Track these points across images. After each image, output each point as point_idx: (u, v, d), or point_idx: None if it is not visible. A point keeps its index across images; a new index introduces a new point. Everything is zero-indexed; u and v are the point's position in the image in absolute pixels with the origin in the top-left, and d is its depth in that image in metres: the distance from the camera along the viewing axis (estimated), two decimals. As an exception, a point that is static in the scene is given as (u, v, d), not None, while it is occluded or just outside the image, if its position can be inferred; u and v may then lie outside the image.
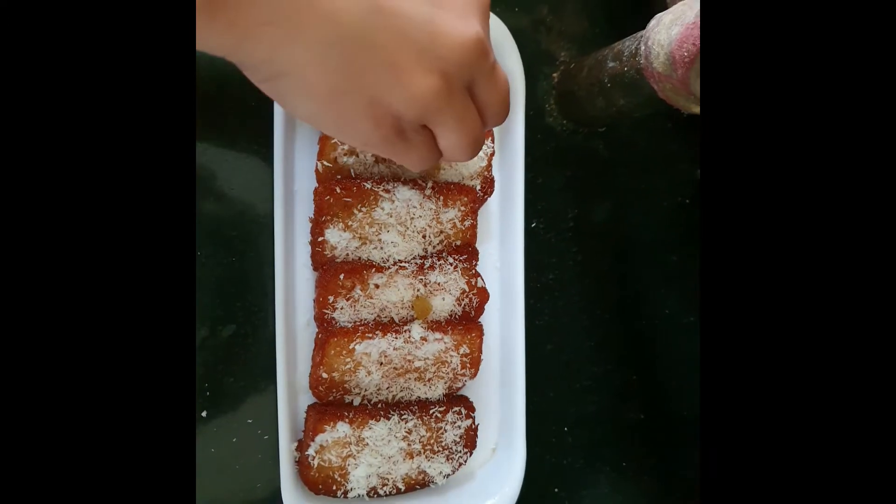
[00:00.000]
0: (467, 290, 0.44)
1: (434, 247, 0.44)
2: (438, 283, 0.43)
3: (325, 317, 0.42)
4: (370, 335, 0.41)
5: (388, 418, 0.42)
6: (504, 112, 0.32)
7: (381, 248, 0.42)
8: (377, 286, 0.42)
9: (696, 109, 0.40)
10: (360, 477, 0.42)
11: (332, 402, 0.42)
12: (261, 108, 0.42)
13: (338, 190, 0.41)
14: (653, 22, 0.40)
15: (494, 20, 0.46)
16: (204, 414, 0.41)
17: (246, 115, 0.42)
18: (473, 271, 0.45)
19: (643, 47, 0.40)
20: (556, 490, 0.52)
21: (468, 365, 0.45)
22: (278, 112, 0.41)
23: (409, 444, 0.43)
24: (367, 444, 0.42)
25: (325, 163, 0.41)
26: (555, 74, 0.51)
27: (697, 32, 0.36)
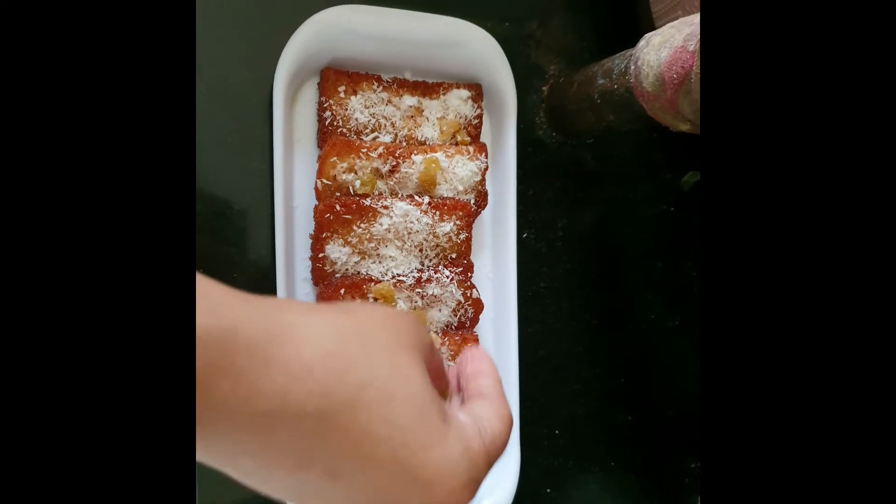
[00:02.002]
0: (463, 301, 0.46)
1: (431, 260, 0.45)
2: (435, 296, 0.44)
3: (326, 331, 0.43)
4: (370, 348, 0.42)
5: (389, 428, 0.44)
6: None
7: (380, 262, 0.43)
8: (376, 299, 0.43)
9: (685, 128, 0.41)
10: (361, 485, 0.43)
11: (333, 414, 0.43)
12: (260, 126, 0.43)
13: (337, 207, 0.41)
14: (642, 42, 0.42)
15: (487, 36, 0.47)
16: (207, 428, 0.42)
17: (245, 134, 0.43)
18: (469, 283, 0.46)
19: (633, 67, 0.42)
20: (548, 490, 0.53)
21: (464, 373, 0.46)
22: (278, 131, 0.42)
23: (408, 453, 0.44)
24: (369, 453, 0.43)
25: (325, 181, 0.42)
26: (544, 88, 0.52)
27: (686, 55, 0.38)
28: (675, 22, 0.41)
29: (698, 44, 0.37)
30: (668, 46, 0.39)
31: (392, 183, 0.44)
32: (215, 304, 0.21)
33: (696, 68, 0.37)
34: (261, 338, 0.21)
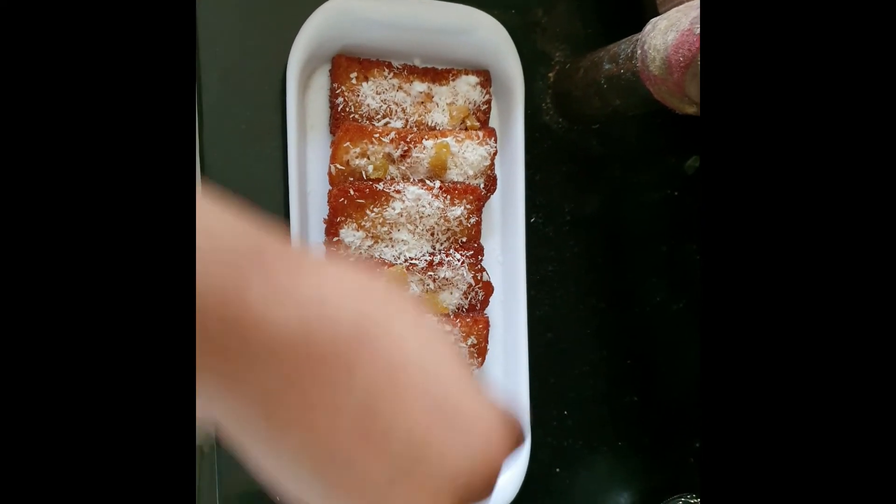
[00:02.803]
0: (473, 284, 0.46)
1: (442, 244, 0.46)
2: (447, 279, 0.45)
3: (341, 313, 0.43)
4: (384, 330, 0.43)
5: (403, 408, 0.44)
6: None
7: (393, 246, 0.44)
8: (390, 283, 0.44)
9: (691, 110, 0.42)
10: (377, 465, 0.44)
11: (348, 395, 0.44)
12: (273, 113, 0.44)
13: (351, 192, 0.42)
14: (648, 26, 0.42)
15: (495, 23, 0.47)
16: (226, 410, 0.43)
17: (259, 119, 0.44)
18: (479, 266, 0.47)
19: (639, 51, 0.42)
20: (557, 470, 0.54)
21: (475, 355, 0.47)
22: (291, 117, 0.42)
23: (422, 432, 0.45)
24: (384, 433, 0.44)
25: (338, 166, 0.43)
26: (550, 74, 0.52)
27: (693, 38, 0.39)
28: (681, 6, 0.41)
29: (705, 27, 0.38)
30: (675, 30, 0.40)
31: (404, 168, 0.44)
32: (239, 222, 0.20)
33: (703, 51, 0.38)
34: (285, 247, 0.20)
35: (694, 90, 0.40)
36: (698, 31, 0.38)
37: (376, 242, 0.44)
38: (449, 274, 0.45)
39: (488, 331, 0.47)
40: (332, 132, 0.44)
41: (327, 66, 0.45)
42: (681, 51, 0.39)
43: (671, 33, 0.40)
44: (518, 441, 0.24)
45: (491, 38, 0.47)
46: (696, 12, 0.39)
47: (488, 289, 0.47)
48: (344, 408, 0.20)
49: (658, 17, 0.42)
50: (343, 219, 0.43)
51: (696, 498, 0.58)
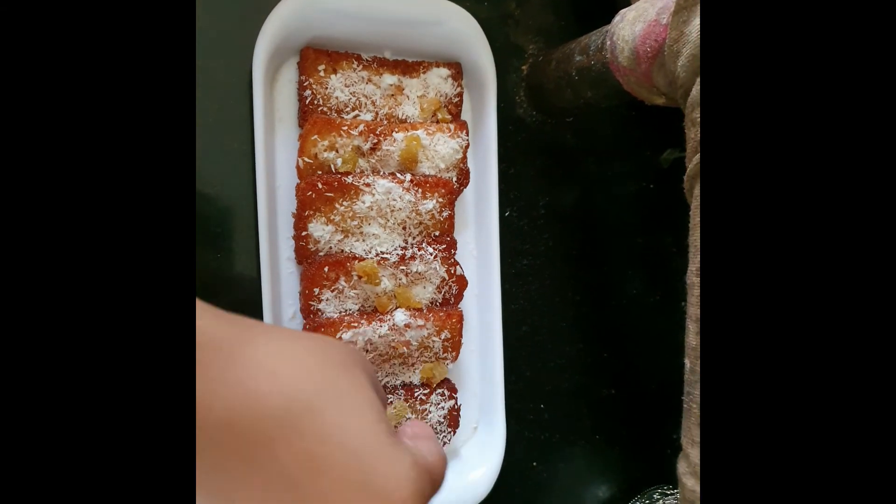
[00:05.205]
0: (447, 278, 0.46)
1: (414, 237, 0.45)
2: (419, 273, 0.45)
3: (311, 308, 0.43)
4: (356, 324, 0.43)
5: (375, 403, 0.44)
6: None
7: (364, 240, 0.44)
8: (360, 277, 0.43)
9: (659, 101, 0.42)
10: (349, 460, 0.44)
11: (320, 390, 0.44)
12: (241, 106, 0.43)
13: (319, 185, 0.42)
14: (617, 18, 0.42)
15: (465, 15, 0.47)
16: (195, 407, 0.42)
17: (226, 112, 0.43)
18: (452, 260, 0.46)
19: (608, 42, 0.42)
20: (534, 464, 0.54)
21: (450, 349, 0.47)
22: (258, 110, 0.42)
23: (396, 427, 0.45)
24: (356, 428, 0.44)
25: (306, 159, 0.42)
26: (524, 67, 0.52)
27: (659, 29, 0.38)
28: (650, -3, 0.41)
29: (671, 16, 0.37)
30: (642, 21, 0.40)
31: (374, 161, 0.44)
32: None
33: (670, 41, 0.38)
34: (225, 338, 0.22)
35: (662, 80, 0.40)
36: (665, 21, 0.38)
37: (346, 236, 0.43)
38: (421, 268, 0.45)
39: (462, 325, 0.47)
40: (301, 125, 0.44)
41: (295, 59, 0.44)
42: (648, 41, 0.39)
43: (639, 24, 0.40)
44: (435, 489, 0.26)
45: (462, 30, 0.47)
46: (663, 2, 0.39)
47: (462, 283, 0.47)
48: (264, 488, 0.22)
49: (626, 9, 0.42)
50: (312, 213, 0.42)
51: (674, 489, 0.58)
